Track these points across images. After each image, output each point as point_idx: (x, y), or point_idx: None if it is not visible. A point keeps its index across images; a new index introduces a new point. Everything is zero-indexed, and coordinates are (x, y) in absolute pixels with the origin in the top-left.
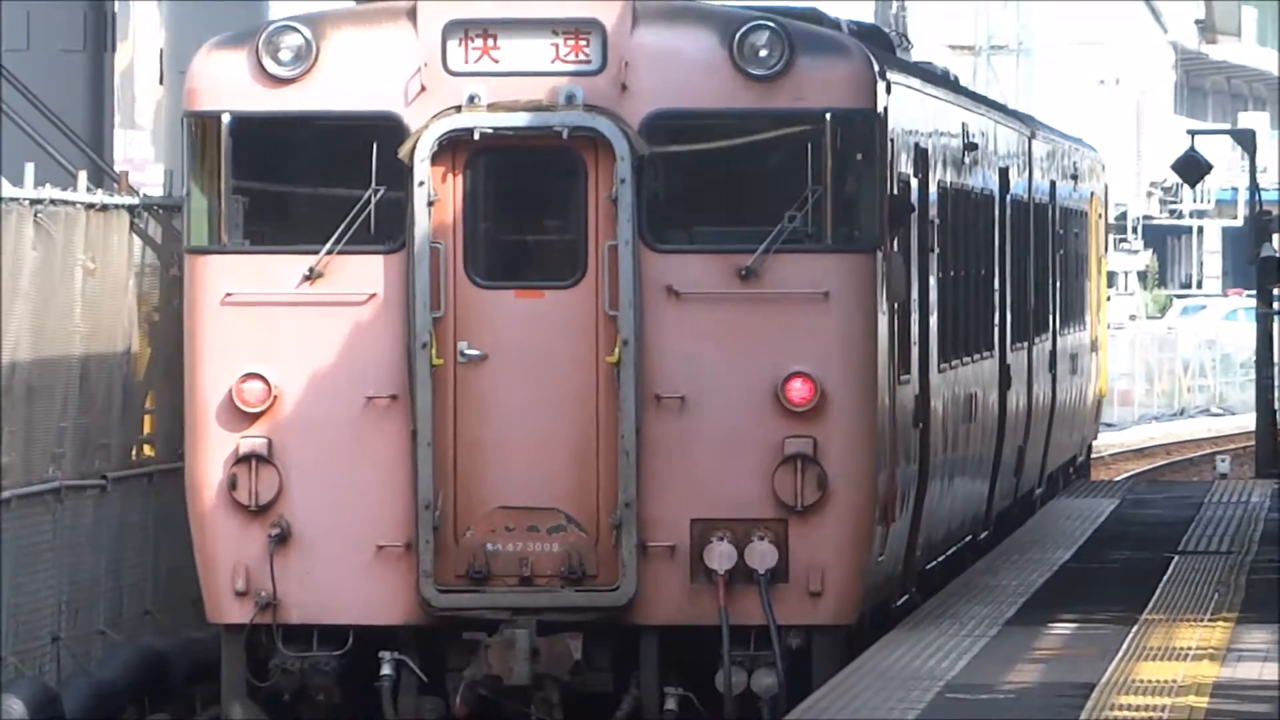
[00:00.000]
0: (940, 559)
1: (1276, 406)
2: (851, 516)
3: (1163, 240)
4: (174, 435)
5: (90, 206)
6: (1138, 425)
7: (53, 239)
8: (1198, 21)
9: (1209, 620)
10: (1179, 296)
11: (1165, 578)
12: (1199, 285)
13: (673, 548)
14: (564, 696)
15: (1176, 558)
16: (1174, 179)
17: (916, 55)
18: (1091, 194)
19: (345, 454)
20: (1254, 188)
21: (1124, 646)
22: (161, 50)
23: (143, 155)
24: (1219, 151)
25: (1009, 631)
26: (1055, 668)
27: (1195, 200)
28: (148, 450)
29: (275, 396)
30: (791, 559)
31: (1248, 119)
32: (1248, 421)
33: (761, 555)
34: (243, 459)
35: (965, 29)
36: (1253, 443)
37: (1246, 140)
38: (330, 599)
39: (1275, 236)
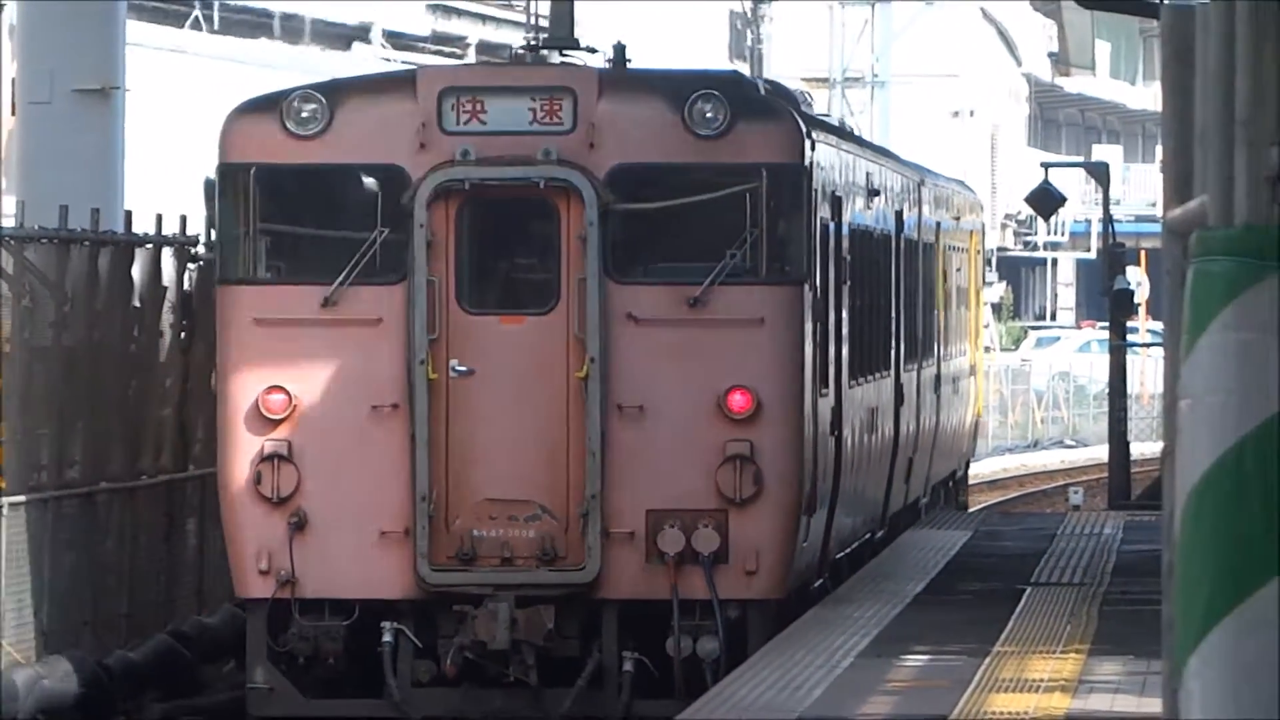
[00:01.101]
0: (846, 551)
1: (1129, 438)
2: (782, 508)
3: (1017, 272)
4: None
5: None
6: (991, 457)
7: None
8: (1051, 54)
9: (1061, 652)
10: (1033, 328)
11: (1018, 609)
12: (1053, 317)
13: (631, 534)
14: (538, 659)
15: (1029, 589)
16: (1028, 211)
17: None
18: (971, 232)
19: (354, 453)
20: (1107, 220)
21: (976, 678)
22: (13, 80)
23: None
24: (1073, 184)
25: (862, 663)
26: (908, 699)
27: (1049, 232)
28: None
29: (295, 405)
30: (731, 544)
31: (1101, 151)
32: (1100, 453)
33: (706, 540)
34: (266, 458)
35: (820, 61)
36: (1105, 474)
37: (1100, 173)
38: (340, 576)
39: (1128, 269)
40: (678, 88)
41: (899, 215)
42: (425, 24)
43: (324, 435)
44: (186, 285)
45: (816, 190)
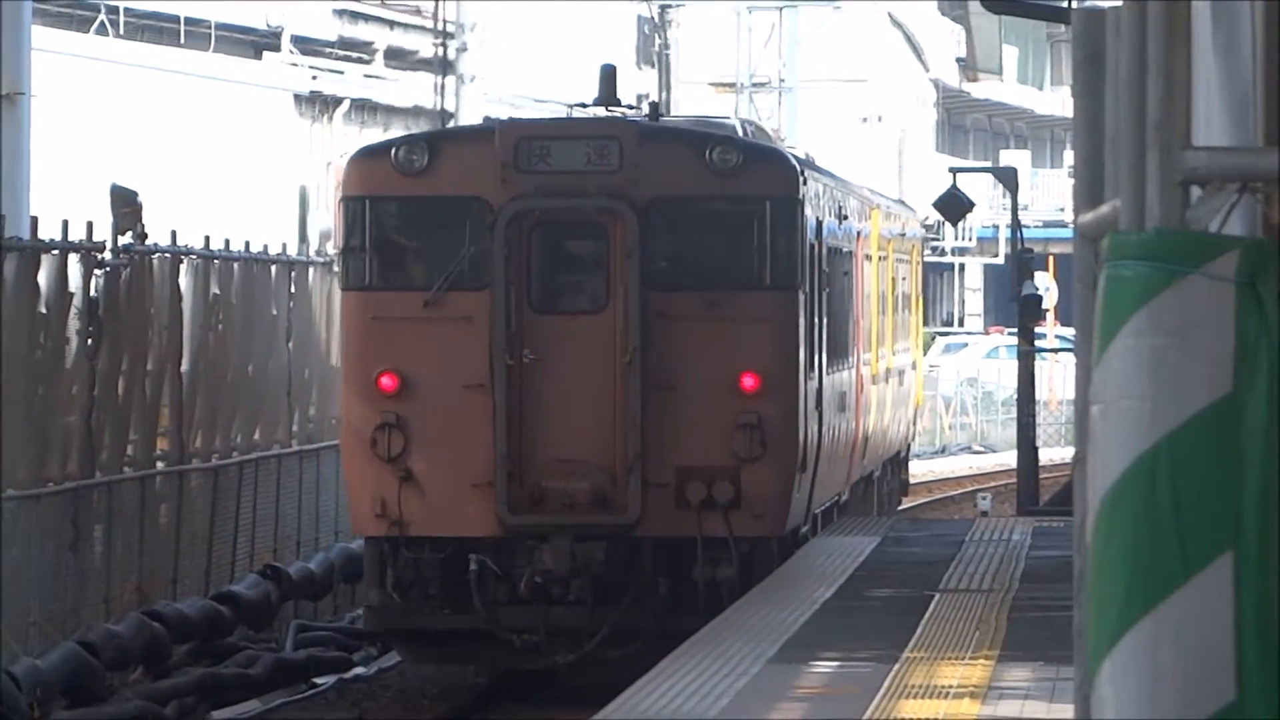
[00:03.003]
0: (822, 507)
1: (1038, 444)
2: (781, 466)
3: (925, 278)
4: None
5: None
6: None
7: None
8: (959, 60)
9: (970, 658)
10: (941, 334)
11: (927, 615)
12: (960, 323)
13: (664, 485)
14: (592, 583)
15: (938, 595)
16: (936, 216)
17: (683, 93)
18: (913, 245)
19: (449, 422)
20: (1015, 225)
21: (886, 684)
22: None
23: None
24: (981, 189)
25: (771, 670)
26: (817, 706)
27: (957, 238)
28: None
29: (403, 385)
30: (743, 493)
31: (1009, 157)
32: (1009, 459)
33: (723, 490)
34: (380, 426)
35: (728, 65)
36: (1014, 480)
37: (1008, 178)
38: (437, 519)
39: (1036, 274)
40: (700, 136)
41: (859, 234)
42: (333, 29)
43: (425, 408)
44: (93, 292)
45: (807, 217)
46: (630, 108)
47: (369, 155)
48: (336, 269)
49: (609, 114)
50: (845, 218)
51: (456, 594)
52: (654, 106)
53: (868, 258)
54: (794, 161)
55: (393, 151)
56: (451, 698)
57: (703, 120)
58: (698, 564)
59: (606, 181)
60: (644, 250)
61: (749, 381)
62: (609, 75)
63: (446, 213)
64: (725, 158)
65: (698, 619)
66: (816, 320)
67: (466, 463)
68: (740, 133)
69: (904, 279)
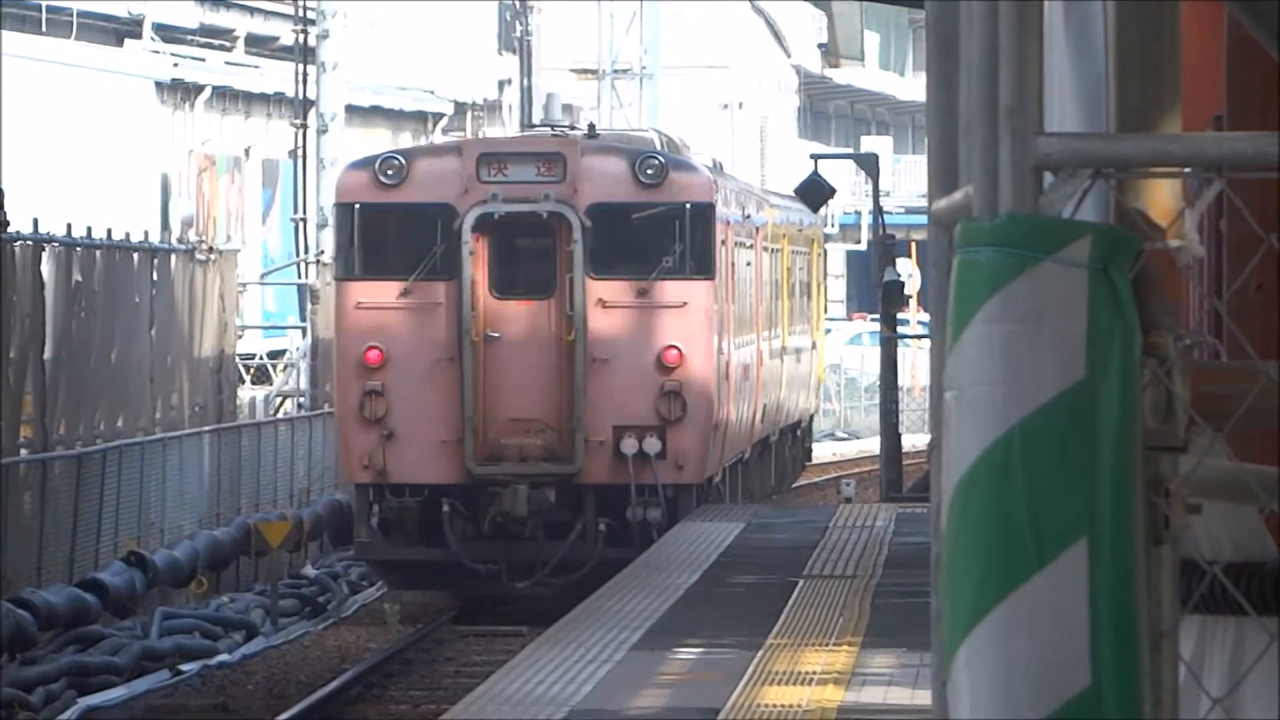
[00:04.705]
0: (729, 462)
1: (901, 431)
2: (698, 425)
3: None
4: None
5: None
6: None
7: None
8: (821, 46)
9: (834, 645)
10: None
11: (790, 602)
12: (824, 309)
13: (603, 441)
14: (544, 524)
15: (801, 582)
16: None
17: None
18: (812, 241)
19: (424, 390)
20: (877, 211)
21: (749, 671)
22: None
23: None
24: (842, 175)
25: (634, 656)
26: (680, 693)
27: (819, 224)
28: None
29: (385, 358)
30: (668, 447)
31: (870, 143)
32: (872, 445)
33: (651, 445)
34: (367, 393)
35: (589, 52)
36: (877, 467)
37: (869, 164)
38: (415, 469)
39: (898, 260)
40: (631, 152)
41: (757, 229)
42: (194, 16)
43: (404, 378)
44: None
45: (719, 218)
46: (571, 128)
47: (355, 169)
48: (329, 268)
49: (554, 133)
50: (747, 216)
51: (430, 532)
52: (591, 126)
53: (765, 250)
54: (707, 172)
55: (375, 165)
56: (317, 685)
57: (624, 135)
58: (631, 506)
59: (553, 190)
60: (585, 246)
61: (672, 355)
62: (551, 100)
63: (420, 216)
64: (651, 170)
65: (632, 552)
66: (725, 305)
67: (438, 423)
68: (658, 144)
69: (800, 269)
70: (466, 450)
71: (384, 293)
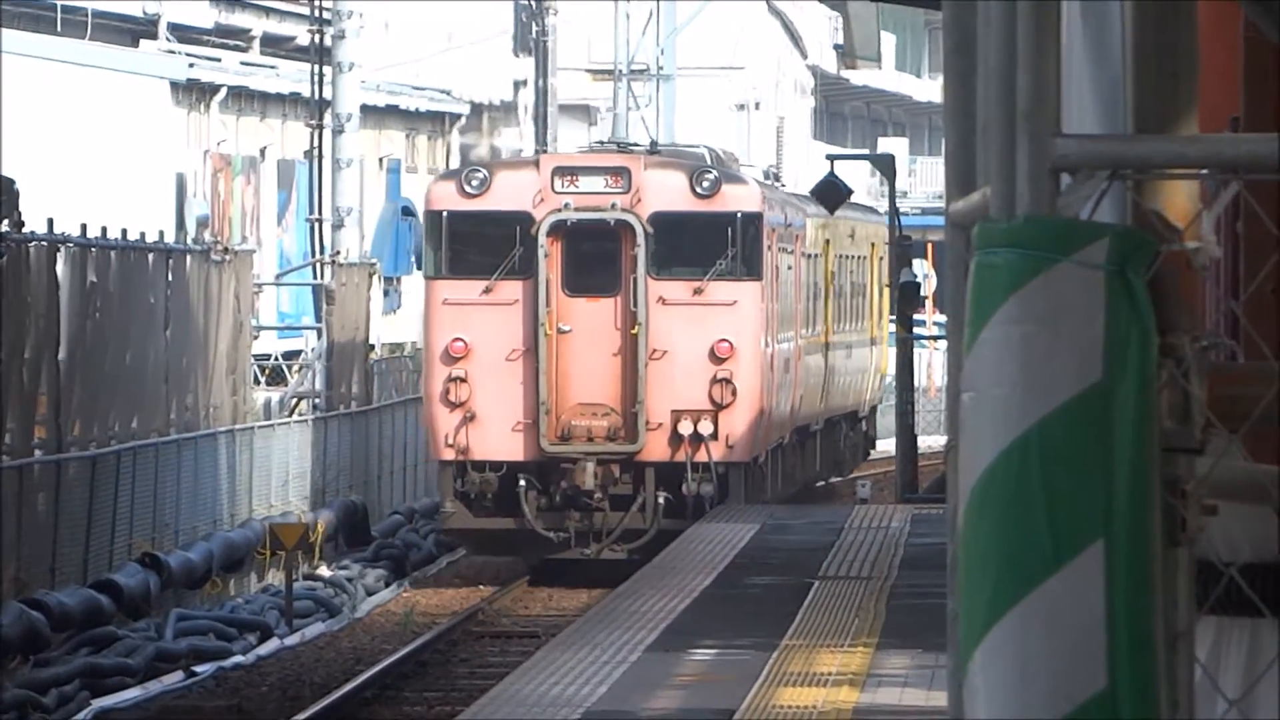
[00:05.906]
0: (771, 446)
1: (917, 432)
2: (749, 409)
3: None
4: None
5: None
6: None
7: None
8: (837, 47)
9: (849, 645)
10: None
11: (806, 603)
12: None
13: (661, 424)
14: (610, 496)
15: (817, 583)
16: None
17: (561, 80)
18: (873, 244)
19: (503, 377)
20: (893, 213)
21: (764, 672)
22: None
23: None
24: (858, 176)
25: (649, 658)
26: (696, 694)
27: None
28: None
29: (469, 349)
30: (720, 429)
31: (887, 144)
32: (888, 446)
33: (705, 427)
34: (451, 379)
35: (606, 53)
36: (893, 468)
37: (886, 165)
38: (495, 449)
39: (915, 261)
40: (689, 166)
41: (798, 237)
42: (209, 17)
43: (485, 367)
44: None
45: (766, 226)
46: (635, 145)
47: (443, 180)
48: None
49: (620, 149)
50: (789, 225)
51: (507, 504)
52: (653, 142)
53: (804, 255)
54: (757, 185)
55: (461, 177)
56: (332, 687)
57: (678, 150)
58: (686, 481)
59: (619, 200)
60: (647, 250)
61: (724, 347)
62: (619, 119)
63: (501, 222)
64: (707, 183)
65: (686, 523)
66: (770, 304)
67: (515, 406)
68: (708, 158)
69: (852, 271)
70: (541, 431)
71: (468, 290)
